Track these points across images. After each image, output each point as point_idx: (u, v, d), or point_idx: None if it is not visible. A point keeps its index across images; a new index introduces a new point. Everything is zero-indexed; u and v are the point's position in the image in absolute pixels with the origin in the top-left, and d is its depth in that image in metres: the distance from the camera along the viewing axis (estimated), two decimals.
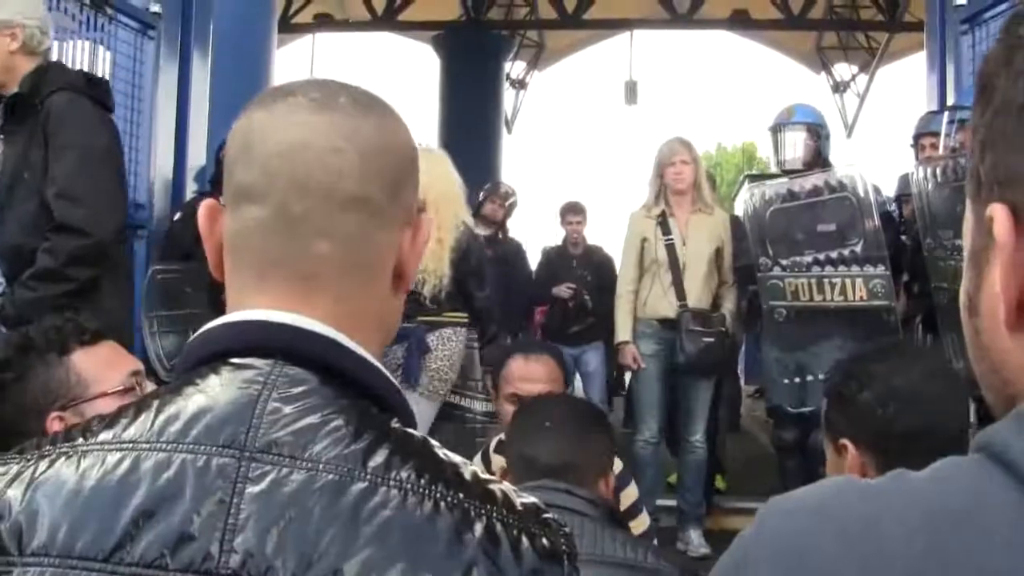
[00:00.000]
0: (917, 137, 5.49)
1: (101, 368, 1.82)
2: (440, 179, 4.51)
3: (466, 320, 4.72)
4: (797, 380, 5.01)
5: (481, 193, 7.10)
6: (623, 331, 5.47)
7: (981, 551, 0.60)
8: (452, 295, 4.64)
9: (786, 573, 0.66)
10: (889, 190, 6.53)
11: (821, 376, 4.90)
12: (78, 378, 1.78)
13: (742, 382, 12.58)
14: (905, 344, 3.62)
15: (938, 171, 4.54)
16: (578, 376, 7.38)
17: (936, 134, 5.31)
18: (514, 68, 17.74)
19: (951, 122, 4.77)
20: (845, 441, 1.89)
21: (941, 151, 4.76)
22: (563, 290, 7.15)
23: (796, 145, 5.39)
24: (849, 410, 1.93)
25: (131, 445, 0.84)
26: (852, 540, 0.64)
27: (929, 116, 5.51)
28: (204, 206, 0.96)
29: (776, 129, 5.50)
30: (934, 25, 6.33)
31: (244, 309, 0.92)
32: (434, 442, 0.90)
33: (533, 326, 7.74)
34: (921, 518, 0.63)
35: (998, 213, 0.66)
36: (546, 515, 0.87)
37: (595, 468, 2.19)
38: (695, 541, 5.51)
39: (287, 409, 0.85)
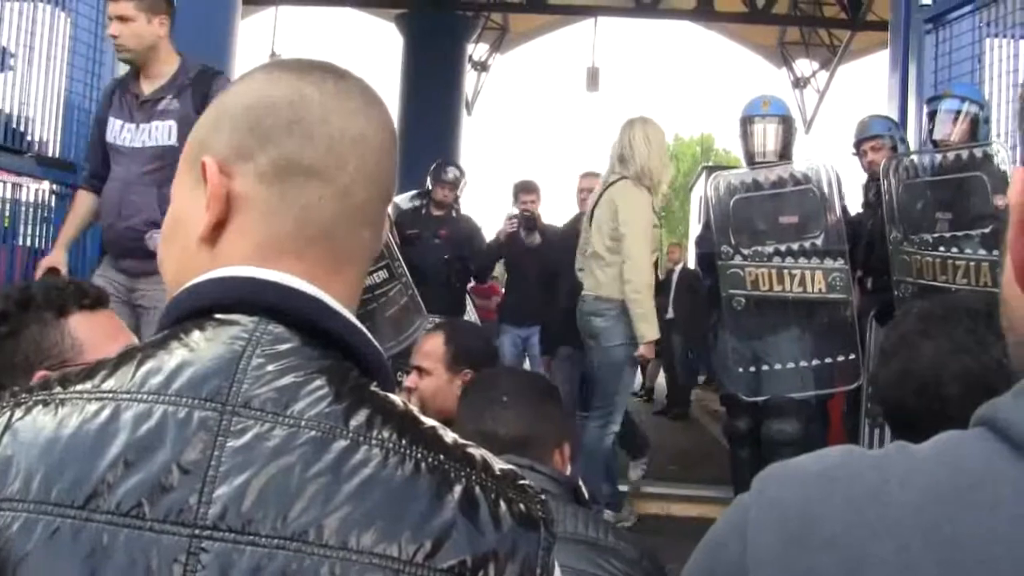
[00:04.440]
0: (858, 144, 5.52)
1: (99, 337, 1.76)
2: None
3: None
4: (753, 369, 5.05)
5: (428, 177, 6.98)
6: (655, 327, 5.34)
7: (988, 522, 0.61)
8: None
9: (792, 539, 0.66)
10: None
11: (777, 366, 4.96)
12: (72, 341, 1.74)
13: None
14: None
15: (901, 167, 4.60)
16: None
17: (875, 137, 5.37)
18: (476, 50, 17.73)
19: (931, 113, 4.82)
20: None
21: (936, 137, 4.78)
22: (508, 225, 6.92)
23: (771, 137, 5.39)
24: None
25: (111, 395, 0.83)
26: (861, 507, 0.65)
27: (867, 121, 5.53)
28: (217, 164, 0.94)
29: (750, 119, 5.46)
30: (898, 24, 6.40)
31: (264, 270, 0.92)
32: (413, 406, 0.90)
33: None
34: (929, 489, 0.64)
35: (1017, 176, 0.68)
36: (522, 481, 0.87)
37: (552, 440, 2.20)
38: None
39: (270, 367, 0.84)
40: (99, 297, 1.83)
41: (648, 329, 5.21)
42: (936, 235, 4.32)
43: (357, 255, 0.98)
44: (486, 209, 19.40)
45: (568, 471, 2.27)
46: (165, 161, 3.91)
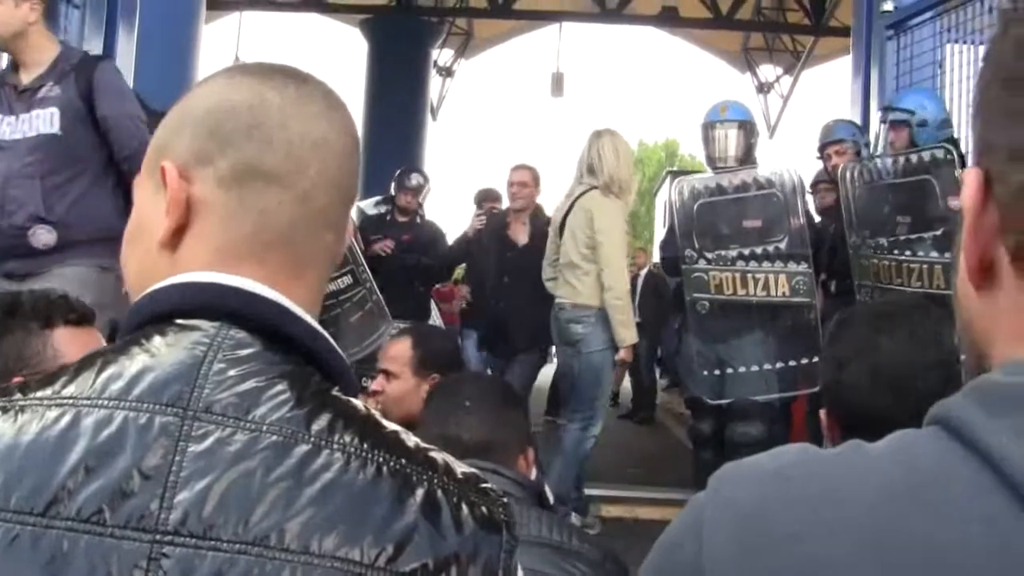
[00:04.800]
0: (822, 148, 5.55)
1: (79, 352, 1.74)
2: None
3: None
4: (717, 372, 5.08)
5: (392, 183, 6.95)
6: (635, 331, 5.48)
7: (940, 522, 0.61)
8: None
9: (747, 538, 0.66)
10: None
11: (741, 369, 4.98)
12: (54, 353, 1.76)
13: (657, 374, 12.74)
14: None
15: (857, 172, 4.64)
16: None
17: (839, 141, 5.41)
18: (441, 55, 17.73)
19: (883, 122, 4.85)
20: None
21: (880, 149, 4.83)
22: (477, 221, 6.81)
23: (731, 142, 5.42)
24: None
25: (71, 401, 0.83)
26: (817, 506, 0.65)
27: (831, 125, 5.56)
28: (176, 168, 0.94)
29: (710, 125, 5.49)
30: (860, 30, 6.44)
31: (226, 276, 0.91)
32: (375, 411, 0.90)
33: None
34: (883, 488, 0.64)
35: (969, 178, 0.69)
36: (484, 484, 0.87)
37: (516, 444, 2.20)
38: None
39: (232, 372, 0.84)
40: (85, 315, 1.86)
41: (628, 334, 5.34)
42: (891, 239, 4.36)
43: (318, 259, 0.98)
44: (451, 215, 19.36)
45: (533, 475, 2.27)
46: (47, 151, 3.71)
